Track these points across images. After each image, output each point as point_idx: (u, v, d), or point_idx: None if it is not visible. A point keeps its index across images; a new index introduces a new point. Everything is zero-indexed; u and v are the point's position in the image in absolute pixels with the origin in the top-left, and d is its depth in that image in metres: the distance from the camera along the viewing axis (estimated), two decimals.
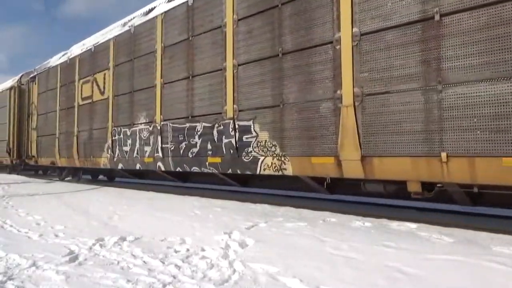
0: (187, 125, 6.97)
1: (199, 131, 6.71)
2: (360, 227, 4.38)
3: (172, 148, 7.20)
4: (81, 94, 10.49)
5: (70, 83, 11.15)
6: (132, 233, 4.20)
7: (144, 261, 3.23)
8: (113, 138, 8.93)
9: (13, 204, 6.92)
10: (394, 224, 4.45)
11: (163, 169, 7.54)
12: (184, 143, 6.99)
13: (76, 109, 10.71)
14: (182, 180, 8.70)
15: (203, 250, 3.50)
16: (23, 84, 14.95)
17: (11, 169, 17.02)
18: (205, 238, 3.91)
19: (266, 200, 6.82)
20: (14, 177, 14.94)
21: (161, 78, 7.70)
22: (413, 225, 4.34)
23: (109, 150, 9.07)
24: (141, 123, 8.13)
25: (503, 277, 2.68)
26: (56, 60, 12.56)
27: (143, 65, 8.28)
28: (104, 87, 9.49)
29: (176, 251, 3.50)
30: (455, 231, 4.08)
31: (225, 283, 2.69)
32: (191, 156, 6.80)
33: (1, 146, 16.14)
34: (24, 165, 15.09)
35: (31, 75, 13.95)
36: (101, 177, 12.82)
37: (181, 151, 7.02)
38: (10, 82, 16.13)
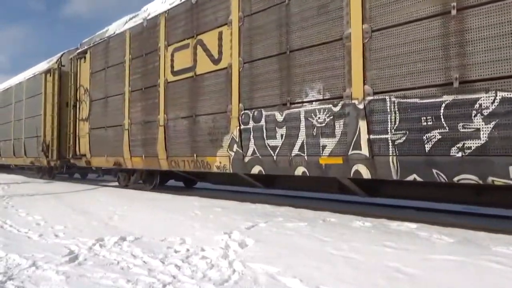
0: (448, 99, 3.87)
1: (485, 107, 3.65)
2: (360, 227, 4.39)
3: (402, 140, 4.21)
4: (172, 66, 7.55)
5: (150, 53, 8.19)
6: (132, 233, 4.20)
7: (144, 261, 3.23)
8: (243, 127, 5.96)
9: (13, 204, 6.92)
10: (394, 224, 4.45)
11: (366, 176, 4.57)
12: (438, 131, 3.93)
13: (161, 88, 7.74)
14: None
15: (203, 250, 3.50)
16: (63, 65, 12.08)
17: (47, 172, 13.81)
18: (205, 238, 3.91)
19: (266, 200, 6.83)
20: (13, 177, 14.91)
21: (363, 24, 4.57)
22: (413, 225, 4.34)
23: (234, 146, 6.10)
24: (312, 101, 5.12)
25: (502, 277, 2.68)
26: (120, 26, 9.45)
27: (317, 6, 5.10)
28: (219, 52, 6.50)
29: (176, 251, 3.51)
30: (454, 231, 4.09)
31: (225, 283, 2.69)
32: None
33: (31, 145, 13.51)
34: (67, 167, 12.18)
35: (79, 51, 10.89)
36: (170, 182, 9.92)
37: (428, 145, 4.02)
38: (45, 64, 13.18)
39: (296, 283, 2.63)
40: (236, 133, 6.08)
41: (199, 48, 6.91)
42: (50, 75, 12.22)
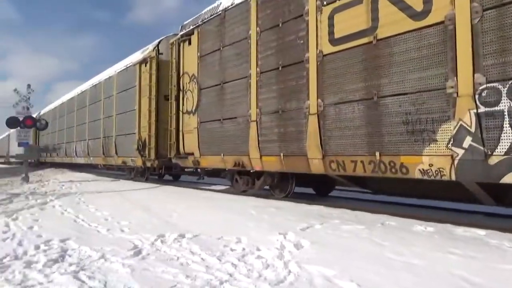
0: None
1: None
2: (422, 231, 4.17)
3: None
4: (331, 33, 5.62)
5: (290, 20, 6.34)
6: (191, 231, 4.36)
7: (202, 258, 3.34)
8: (483, 109, 4.01)
9: (84, 200, 7.49)
10: (460, 230, 4.17)
11: None
12: None
13: (312, 64, 5.88)
14: None
15: (258, 249, 3.54)
16: (161, 53, 10.73)
17: (140, 173, 12.53)
18: (260, 238, 3.95)
19: (321, 201, 6.73)
20: (84, 175, 16.09)
21: None
22: (481, 232, 4.04)
23: (464, 140, 4.14)
24: None
25: None
26: None
27: None
28: (426, 1, 4.51)
29: (232, 250, 3.58)
30: None
31: (280, 283, 2.70)
32: None
33: (123, 143, 12.49)
34: (166, 167, 11.00)
35: (182, 33, 9.31)
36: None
37: None
38: (138, 55, 11.95)
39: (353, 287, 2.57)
40: (468, 119, 4.08)
41: (383, 1, 4.95)
42: (146, 65, 11.04)
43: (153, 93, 10.63)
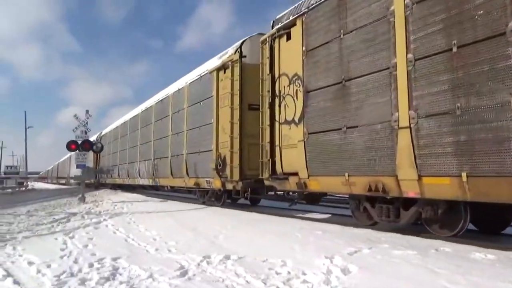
0: None
1: None
2: (481, 259, 3.87)
3: None
4: None
5: None
6: (236, 252, 4.36)
7: (246, 281, 3.32)
8: None
9: (134, 220, 7.78)
10: None
11: None
12: None
13: None
14: None
15: (304, 274, 3.46)
16: (244, 56, 9.09)
17: (216, 197, 10.39)
18: (305, 261, 3.87)
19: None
20: (135, 195, 16.75)
21: None
22: None
23: None
24: None
25: None
26: None
27: None
28: None
29: (277, 273, 3.53)
30: None
31: None
32: None
33: (195, 163, 10.72)
34: (252, 190, 8.77)
35: (278, 26, 7.59)
36: None
37: None
38: (215, 61, 10.29)
39: None
40: None
41: None
42: (226, 71, 9.48)
43: (236, 102, 8.98)
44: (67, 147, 14.62)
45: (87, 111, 15.16)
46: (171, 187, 13.53)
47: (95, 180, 25.13)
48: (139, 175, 16.38)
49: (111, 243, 5.31)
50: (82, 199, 13.89)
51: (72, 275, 3.68)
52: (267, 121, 7.82)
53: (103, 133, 25.90)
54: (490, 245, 4.54)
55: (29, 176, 41.32)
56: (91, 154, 24.32)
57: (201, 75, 10.98)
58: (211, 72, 10.19)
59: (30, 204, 13.92)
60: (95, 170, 23.14)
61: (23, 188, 31.19)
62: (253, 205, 10.96)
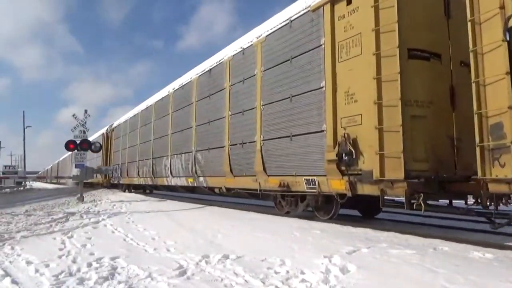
0: None
1: None
2: (479, 258, 3.88)
3: None
4: None
5: None
6: (235, 252, 4.36)
7: (245, 280, 3.32)
8: None
9: (133, 220, 7.77)
10: None
11: None
12: None
13: None
14: None
15: (302, 273, 3.47)
16: None
17: (321, 206, 6.87)
18: (304, 261, 3.87)
19: (368, 224, 6.50)
20: (133, 195, 16.72)
21: None
22: None
23: None
24: None
25: None
26: None
27: None
28: None
29: (276, 272, 3.53)
30: None
31: None
32: None
33: (281, 152, 7.27)
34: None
35: None
36: None
37: None
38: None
39: None
40: None
41: None
42: (351, 1, 5.95)
43: (392, 43, 5.29)
44: (65, 146, 14.59)
45: (85, 111, 15.13)
46: (228, 189, 9.42)
47: (104, 180, 23.02)
48: (170, 173, 12.61)
49: (110, 242, 5.30)
50: (81, 199, 13.86)
51: (70, 274, 3.67)
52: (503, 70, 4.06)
53: (115, 125, 21.67)
54: (489, 244, 4.56)
55: (27, 175, 41.22)
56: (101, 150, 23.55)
57: (292, 19, 7.24)
58: (316, 8, 6.60)
59: (28, 203, 13.89)
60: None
61: (22, 188, 31.12)
62: (367, 217, 7.82)
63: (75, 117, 14.77)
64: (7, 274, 3.81)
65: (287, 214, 7.69)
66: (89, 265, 4.01)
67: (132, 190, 18.89)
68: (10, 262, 4.37)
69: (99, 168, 21.81)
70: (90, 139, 27.10)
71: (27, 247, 5.18)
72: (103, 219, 7.93)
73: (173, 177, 12.51)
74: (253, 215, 8.47)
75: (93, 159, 25.39)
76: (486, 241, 4.82)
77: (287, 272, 3.53)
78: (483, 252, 4.06)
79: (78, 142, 14.49)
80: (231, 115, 9.10)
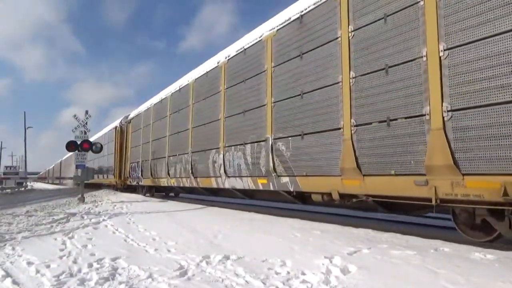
0: None
1: None
2: (481, 259, 3.87)
3: None
4: None
5: None
6: (235, 252, 4.36)
7: (246, 281, 3.32)
8: None
9: (134, 220, 7.77)
10: None
11: None
12: None
13: None
14: None
15: (303, 273, 3.46)
16: None
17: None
18: (305, 262, 3.87)
19: (368, 224, 6.49)
20: (135, 196, 16.70)
21: None
22: None
23: None
24: None
25: None
26: None
27: None
28: None
29: (276, 273, 3.53)
30: None
31: None
32: None
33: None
34: None
35: None
36: None
37: None
38: None
39: None
40: None
41: None
42: None
43: None
44: (66, 147, 14.59)
45: (86, 112, 15.14)
46: (347, 196, 5.97)
47: (118, 181, 19.74)
48: (224, 171, 9.05)
49: (111, 243, 5.30)
50: (82, 200, 13.87)
51: (71, 275, 3.67)
52: None
53: (132, 116, 18.18)
54: (490, 245, 4.55)
55: (28, 176, 41.24)
56: (112, 146, 20.87)
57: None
58: None
59: (29, 204, 13.91)
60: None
61: (23, 189, 31.16)
62: None
63: (76, 118, 14.79)
64: (8, 274, 3.82)
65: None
66: (90, 265, 4.01)
67: (148, 194, 16.37)
68: (11, 262, 4.37)
69: (140, 164, 16.07)
70: (99, 134, 25.88)
71: (28, 247, 5.19)
72: (104, 220, 7.94)
73: (229, 177, 8.88)
74: (253, 215, 8.46)
75: (102, 157, 23.29)
76: (488, 243, 4.81)
77: (288, 272, 3.52)
78: (484, 253, 4.05)
79: (79, 142, 14.50)
80: (357, 77, 5.61)
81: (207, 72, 10.58)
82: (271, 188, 7.49)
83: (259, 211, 9.16)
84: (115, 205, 11.62)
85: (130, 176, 17.52)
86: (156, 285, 3.26)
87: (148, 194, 16.29)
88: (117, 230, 6.51)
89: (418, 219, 7.44)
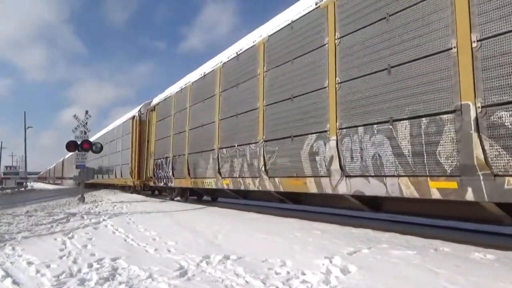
0: None
1: None
2: (481, 259, 3.87)
3: None
4: None
5: None
6: (235, 252, 4.36)
7: (246, 281, 3.32)
8: None
9: (134, 220, 7.77)
10: None
11: None
12: None
13: None
14: None
15: (303, 274, 3.46)
16: None
17: None
18: (305, 262, 3.87)
19: (368, 224, 6.49)
20: (134, 196, 16.70)
21: None
22: None
23: None
24: None
25: None
26: None
27: None
28: None
29: (276, 273, 3.53)
30: None
31: None
32: None
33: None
34: None
35: None
36: None
37: None
38: None
39: None
40: None
41: None
42: None
43: None
44: (66, 147, 14.60)
45: (86, 112, 15.14)
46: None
47: (137, 181, 16.10)
48: (340, 167, 5.72)
49: (111, 243, 5.30)
50: (82, 200, 13.88)
51: (71, 275, 3.67)
52: None
53: (157, 101, 14.49)
54: (490, 245, 4.55)
55: (28, 176, 41.21)
56: (127, 140, 17.48)
57: None
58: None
59: (29, 204, 13.91)
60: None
61: (23, 189, 31.16)
62: None
63: (76, 118, 14.79)
64: (8, 274, 3.82)
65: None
66: (90, 265, 4.01)
67: (180, 198, 13.19)
68: (11, 262, 4.37)
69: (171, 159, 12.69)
70: (109, 128, 23.44)
71: (28, 247, 5.19)
72: (104, 220, 7.94)
73: (349, 176, 5.60)
74: (253, 215, 8.46)
75: (114, 154, 20.20)
76: (487, 242, 4.81)
77: (288, 272, 3.52)
78: (484, 253, 4.05)
79: (79, 142, 14.50)
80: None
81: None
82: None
83: (259, 211, 9.16)
84: (115, 205, 11.62)
85: (155, 176, 14.03)
86: (156, 285, 3.26)
87: (179, 198, 13.15)
88: (117, 230, 6.51)
89: (418, 219, 7.44)
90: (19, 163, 57.80)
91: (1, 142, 49.78)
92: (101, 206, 11.59)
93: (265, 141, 7.53)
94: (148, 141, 15.31)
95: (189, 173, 11.05)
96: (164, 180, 13.16)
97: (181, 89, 12.25)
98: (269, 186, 7.43)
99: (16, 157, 66.45)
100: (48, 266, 4.06)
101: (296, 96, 6.80)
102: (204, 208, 10.42)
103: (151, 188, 15.93)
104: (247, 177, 8.11)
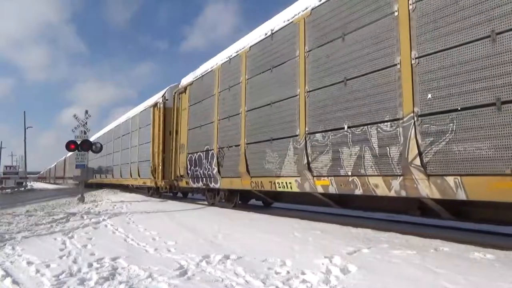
0: None
1: None
2: (480, 259, 3.87)
3: None
4: None
5: None
6: (235, 252, 4.36)
7: (246, 281, 3.32)
8: None
9: (134, 220, 7.77)
10: None
11: None
12: None
13: None
14: None
15: (303, 273, 3.46)
16: None
17: None
18: (305, 261, 3.87)
19: (368, 224, 6.49)
20: (133, 195, 16.68)
21: None
22: None
23: None
24: None
25: None
26: None
27: None
28: None
29: (276, 273, 3.53)
30: None
31: None
32: None
33: None
34: None
35: None
36: None
37: None
38: None
39: None
40: None
41: None
42: None
43: None
44: (66, 147, 14.59)
45: (86, 111, 15.13)
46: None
47: (162, 182, 13.39)
48: None
49: (110, 243, 5.30)
50: (82, 199, 13.87)
51: (71, 275, 3.67)
52: None
53: (191, 79, 11.31)
54: (490, 244, 4.55)
55: (28, 176, 41.16)
56: (147, 133, 14.71)
57: None
58: None
59: (29, 204, 13.91)
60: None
61: (22, 188, 31.14)
62: None
63: (76, 118, 14.78)
64: (8, 274, 3.82)
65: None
66: (90, 265, 4.01)
67: (225, 202, 10.13)
68: (11, 262, 4.37)
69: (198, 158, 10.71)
70: (122, 119, 19.06)
71: (28, 247, 5.18)
72: (103, 220, 7.94)
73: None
74: (253, 215, 8.46)
75: (129, 150, 17.26)
76: (487, 242, 4.81)
77: (288, 272, 3.52)
78: (484, 253, 4.05)
79: (78, 142, 14.49)
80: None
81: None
82: None
83: (259, 211, 9.15)
84: (115, 205, 11.62)
85: (188, 175, 11.10)
86: (156, 285, 3.26)
87: (225, 202, 10.10)
88: (117, 229, 6.51)
89: (418, 219, 7.43)
90: (19, 163, 57.76)
91: (1, 142, 49.78)
92: (101, 206, 11.59)
93: (419, 116, 4.65)
94: (176, 132, 12.26)
95: (247, 170, 8.17)
96: (204, 179, 10.21)
97: (230, 59, 9.15)
98: (427, 189, 4.54)
99: (16, 157, 66.38)
100: (48, 266, 4.06)
101: None
102: (203, 208, 10.41)
103: (180, 189, 13.19)
104: (375, 175, 5.26)
